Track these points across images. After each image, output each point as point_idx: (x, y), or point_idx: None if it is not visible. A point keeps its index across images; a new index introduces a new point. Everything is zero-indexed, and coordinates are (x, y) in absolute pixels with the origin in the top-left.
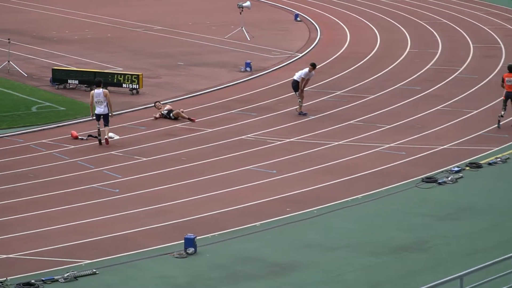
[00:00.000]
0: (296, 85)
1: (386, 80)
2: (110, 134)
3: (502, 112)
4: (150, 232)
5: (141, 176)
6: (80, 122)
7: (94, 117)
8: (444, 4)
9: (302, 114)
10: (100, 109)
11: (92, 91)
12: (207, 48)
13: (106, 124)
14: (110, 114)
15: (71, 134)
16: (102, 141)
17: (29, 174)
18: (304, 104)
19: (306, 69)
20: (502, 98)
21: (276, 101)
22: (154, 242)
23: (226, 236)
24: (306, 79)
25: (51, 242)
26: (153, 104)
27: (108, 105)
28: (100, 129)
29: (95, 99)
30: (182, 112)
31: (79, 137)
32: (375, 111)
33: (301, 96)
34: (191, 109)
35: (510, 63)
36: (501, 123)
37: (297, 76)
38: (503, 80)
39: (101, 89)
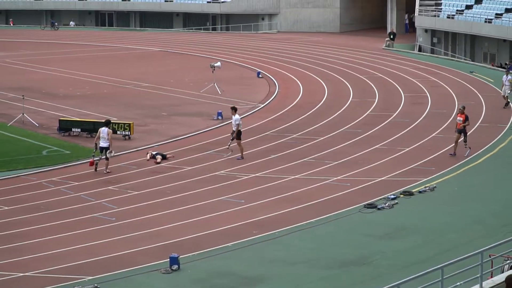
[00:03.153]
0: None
1: (333, 125)
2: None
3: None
4: (141, 252)
5: (133, 206)
6: (82, 163)
7: (98, 149)
8: (379, 62)
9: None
10: (103, 144)
11: (100, 128)
12: (185, 101)
13: (106, 157)
14: (109, 150)
15: (90, 163)
16: (97, 170)
17: (41, 206)
18: (267, 145)
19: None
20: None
21: (243, 143)
22: (144, 260)
23: (204, 255)
24: (232, 124)
25: (60, 262)
26: (147, 153)
27: (109, 141)
28: (101, 158)
29: (101, 135)
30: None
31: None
32: (324, 150)
33: (237, 143)
34: (174, 150)
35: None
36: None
37: None
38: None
39: (107, 128)
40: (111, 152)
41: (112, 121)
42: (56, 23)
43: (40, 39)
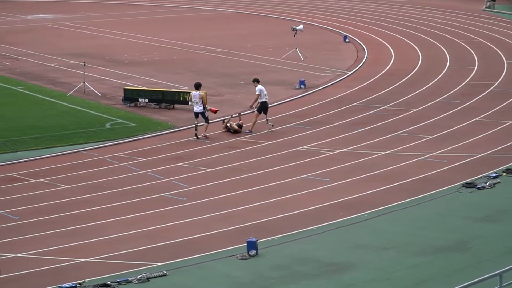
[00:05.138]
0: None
1: (427, 95)
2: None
3: None
4: (215, 236)
5: (206, 185)
6: (150, 137)
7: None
8: (479, 24)
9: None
10: (196, 108)
11: (191, 93)
12: (264, 68)
13: (205, 121)
14: (206, 110)
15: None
16: (198, 136)
17: (104, 184)
18: (354, 118)
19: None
20: None
21: (329, 115)
22: (219, 245)
23: (285, 239)
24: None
25: (125, 247)
26: (231, 116)
27: (203, 104)
28: (198, 125)
29: (193, 99)
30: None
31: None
32: (418, 123)
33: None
34: (250, 123)
35: None
36: None
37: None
38: None
39: (198, 91)
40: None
41: (182, 91)
42: None
43: (102, 0)
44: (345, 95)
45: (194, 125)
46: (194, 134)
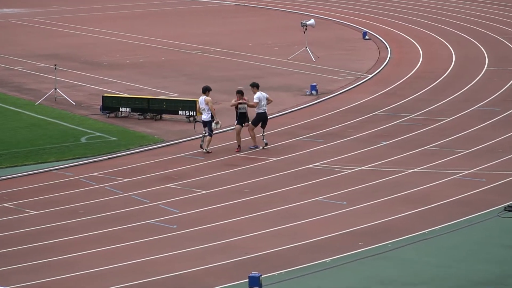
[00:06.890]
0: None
1: (462, 101)
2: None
3: None
4: (212, 271)
5: (200, 210)
6: (133, 153)
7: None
8: None
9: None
10: (203, 116)
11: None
12: (269, 71)
13: (209, 133)
14: (213, 121)
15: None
16: (204, 150)
17: (79, 210)
18: (376, 129)
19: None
20: None
21: (345, 127)
22: (215, 281)
23: (294, 273)
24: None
25: (105, 283)
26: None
27: (211, 112)
28: (205, 135)
29: (200, 106)
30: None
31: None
32: (452, 135)
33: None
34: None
35: None
36: None
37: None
38: None
39: (203, 96)
40: (217, 123)
41: (171, 98)
42: None
43: None
44: (365, 103)
45: (202, 135)
46: (199, 146)
